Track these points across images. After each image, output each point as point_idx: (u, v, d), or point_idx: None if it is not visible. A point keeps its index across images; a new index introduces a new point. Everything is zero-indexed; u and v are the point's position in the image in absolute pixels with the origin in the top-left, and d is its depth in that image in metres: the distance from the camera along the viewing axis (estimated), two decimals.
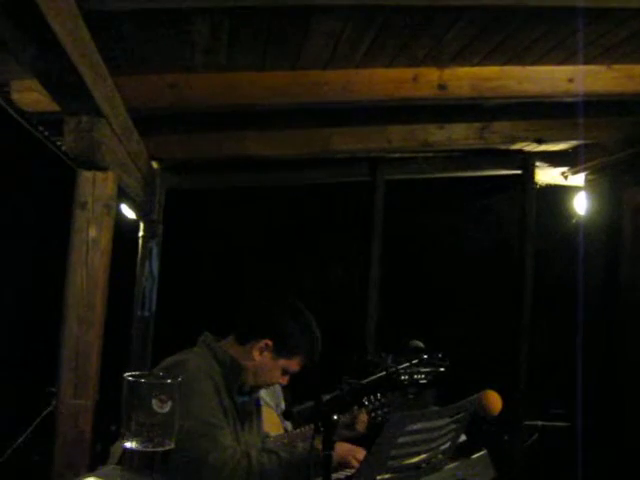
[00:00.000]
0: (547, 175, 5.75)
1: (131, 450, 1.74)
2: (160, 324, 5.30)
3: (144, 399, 1.75)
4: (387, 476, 2.29)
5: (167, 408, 1.76)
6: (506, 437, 5.32)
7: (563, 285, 5.49)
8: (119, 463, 1.75)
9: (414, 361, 2.71)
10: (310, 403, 2.04)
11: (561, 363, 5.38)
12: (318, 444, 2.22)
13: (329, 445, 2.00)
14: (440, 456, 2.53)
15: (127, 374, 1.78)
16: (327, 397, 2.03)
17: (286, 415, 2.01)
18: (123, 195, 4.12)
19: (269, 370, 2.80)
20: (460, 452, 2.80)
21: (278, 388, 3.92)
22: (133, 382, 1.76)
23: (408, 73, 3.59)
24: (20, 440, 3.60)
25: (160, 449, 1.75)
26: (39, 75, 2.45)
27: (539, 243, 5.70)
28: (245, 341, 2.82)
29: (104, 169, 3.13)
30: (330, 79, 3.56)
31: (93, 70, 2.59)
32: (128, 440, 1.75)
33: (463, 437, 2.90)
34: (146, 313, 5.08)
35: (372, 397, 3.30)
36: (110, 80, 2.97)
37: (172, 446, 1.77)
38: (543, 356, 5.55)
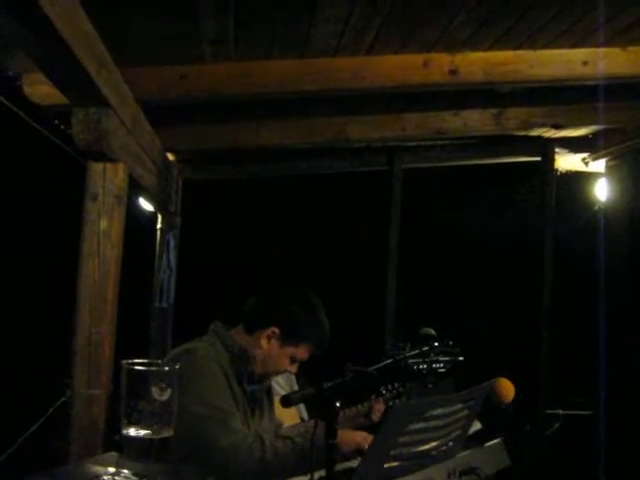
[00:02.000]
0: (567, 162, 5.67)
1: (129, 437, 1.75)
2: (179, 315, 5.33)
3: (143, 386, 1.76)
4: (395, 464, 2.28)
5: (166, 396, 1.76)
6: (528, 426, 5.28)
7: (585, 272, 5.44)
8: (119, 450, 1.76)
9: (424, 348, 2.70)
10: (311, 390, 2.03)
11: (582, 351, 5.33)
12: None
13: (332, 433, 1.98)
14: (451, 444, 2.52)
15: (125, 361, 1.78)
16: (329, 384, 2.02)
17: (284, 401, 2.00)
18: (139, 187, 4.14)
19: (277, 358, 2.81)
20: (476, 441, 2.78)
21: (292, 376, 3.93)
22: (132, 369, 1.77)
23: (419, 59, 3.55)
24: (34, 428, 3.66)
25: (158, 436, 1.75)
26: (42, 68, 2.47)
27: (560, 230, 5.64)
28: (253, 329, 2.83)
29: (114, 160, 3.15)
30: (340, 66, 3.53)
31: (97, 61, 2.60)
32: (126, 427, 1.76)
33: (478, 426, 2.88)
34: (164, 304, 5.11)
35: (389, 386, 3.29)
36: (117, 71, 2.98)
37: (171, 434, 1.77)
38: (564, 344, 5.50)
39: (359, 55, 3.52)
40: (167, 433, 1.77)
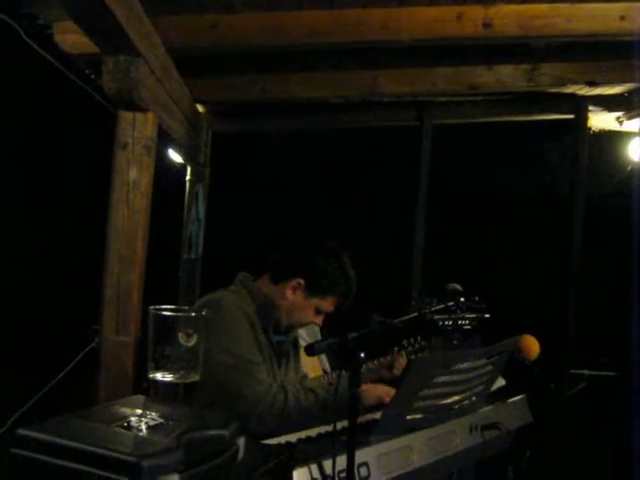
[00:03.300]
0: (601, 120, 5.56)
1: (156, 382, 1.78)
2: (207, 266, 5.37)
3: (170, 332, 1.79)
4: (418, 416, 2.31)
5: (193, 341, 1.79)
6: (553, 386, 5.27)
7: (616, 233, 5.37)
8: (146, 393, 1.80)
9: (450, 304, 2.69)
10: (335, 340, 2.04)
11: (610, 311, 5.29)
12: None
13: (355, 383, 2.00)
14: (474, 398, 2.53)
15: (153, 307, 1.81)
16: (353, 335, 2.03)
17: (308, 350, 2.01)
18: (168, 138, 4.14)
19: (302, 309, 2.83)
20: (499, 396, 2.80)
21: (317, 329, 3.96)
22: (159, 315, 1.80)
23: (452, 11, 3.48)
24: (62, 374, 3.73)
25: (185, 381, 1.79)
26: (72, 16, 2.46)
27: (592, 190, 5.57)
28: (278, 280, 2.85)
29: (144, 110, 3.15)
30: (370, 18, 3.47)
31: (127, 9, 2.59)
32: (153, 372, 1.79)
33: (502, 382, 2.89)
34: (192, 256, 5.15)
35: (412, 339, 3.30)
36: (146, 19, 2.96)
37: (197, 378, 1.81)
38: (592, 304, 5.46)
39: (390, 7, 3.46)
40: (193, 378, 1.80)
